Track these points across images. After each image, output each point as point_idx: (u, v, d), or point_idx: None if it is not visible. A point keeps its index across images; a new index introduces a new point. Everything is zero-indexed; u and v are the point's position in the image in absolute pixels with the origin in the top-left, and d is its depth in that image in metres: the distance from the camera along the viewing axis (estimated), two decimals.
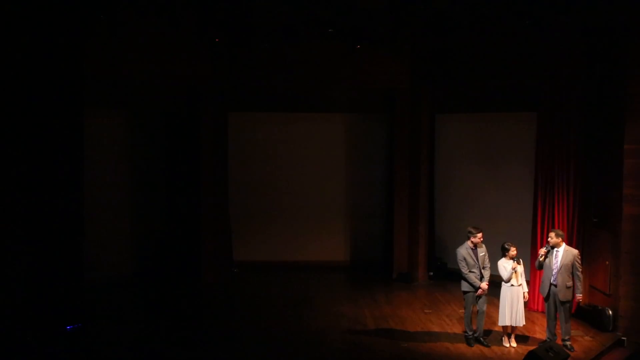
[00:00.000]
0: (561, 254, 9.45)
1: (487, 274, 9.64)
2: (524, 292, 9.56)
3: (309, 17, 11.69)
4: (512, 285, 9.49)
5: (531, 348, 8.96)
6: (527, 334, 10.10)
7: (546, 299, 9.62)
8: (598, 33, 10.64)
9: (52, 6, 9.28)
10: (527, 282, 10.48)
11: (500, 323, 9.65)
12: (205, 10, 11.54)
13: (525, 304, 9.80)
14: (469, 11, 11.40)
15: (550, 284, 9.52)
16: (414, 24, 12.52)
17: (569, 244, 10.84)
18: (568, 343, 9.47)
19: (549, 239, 9.57)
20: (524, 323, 9.68)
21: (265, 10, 11.50)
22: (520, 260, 9.59)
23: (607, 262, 10.45)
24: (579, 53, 10.86)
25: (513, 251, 9.52)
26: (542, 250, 9.55)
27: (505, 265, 9.49)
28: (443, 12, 11.56)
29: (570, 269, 9.41)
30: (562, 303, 9.44)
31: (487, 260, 9.71)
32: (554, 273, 9.47)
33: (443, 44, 12.94)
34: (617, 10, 10.24)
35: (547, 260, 9.55)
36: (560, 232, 9.71)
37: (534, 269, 11.31)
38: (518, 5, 10.82)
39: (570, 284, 9.44)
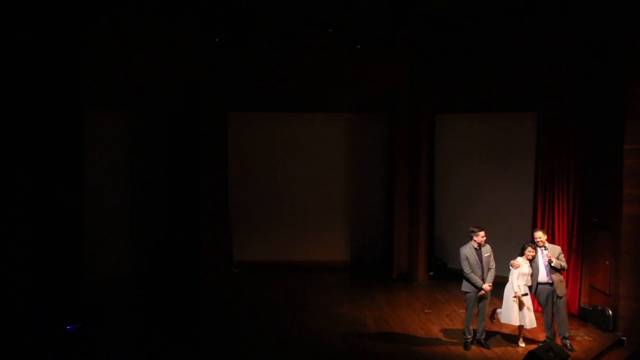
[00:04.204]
0: (546, 252, 9.51)
1: (491, 275, 9.60)
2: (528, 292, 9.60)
3: (309, 17, 11.66)
4: (524, 284, 9.50)
5: (531, 347, 8.98)
6: (527, 334, 10.09)
7: (538, 297, 9.66)
8: (598, 33, 10.64)
9: (52, 6, 9.28)
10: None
11: (503, 320, 9.64)
12: (205, 10, 11.52)
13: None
14: (469, 11, 11.38)
15: (538, 283, 9.57)
16: (413, 24, 12.50)
17: (569, 244, 10.90)
18: (568, 342, 9.49)
19: (539, 239, 9.57)
20: (535, 325, 9.65)
21: (265, 10, 11.48)
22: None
23: (607, 262, 10.45)
24: (579, 53, 10.86)
25: (529, 252, 9.53)
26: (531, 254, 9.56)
27: (521, 263, 9.50)
28: (443, 12, 11.53)
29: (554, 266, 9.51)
30: (559, 298, 9.51)
31: (493, 261, 9.67)
32: (547, 272, 9.50)
33: (443, 45, 12.94)
34: (616, 11, 10.24)
35: (534, 260, 9.61)
36: (544, 231, 9.89)
37: None
38: (518, 5, 10.81)
39: (561, 278, 9.58)
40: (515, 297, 9.44)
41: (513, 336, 9.86)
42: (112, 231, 13.29)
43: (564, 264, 9.57)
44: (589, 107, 10.87)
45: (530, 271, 9.55)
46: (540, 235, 9.62)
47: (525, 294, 9.48)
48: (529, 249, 9.54)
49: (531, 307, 9.58)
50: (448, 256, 13.89)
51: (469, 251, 9.61)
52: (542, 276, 9.55)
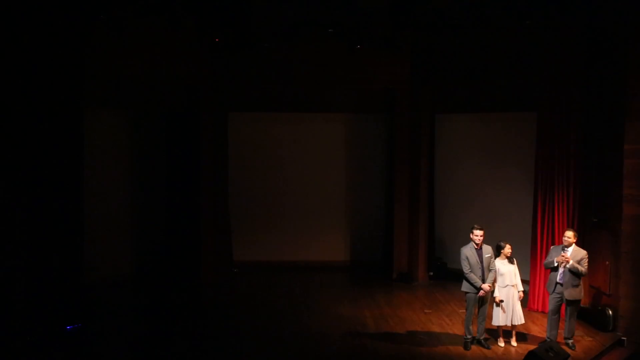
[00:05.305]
0: (569, 254, 9.42)
1: (491, 276, 9.60)
2: (519, 292, 9.56)
3: (309, 17, 11.68)
4: (506, 285, 9.50)
5: (531, 347, 8.97)
6: (526, 333, 10.09)
7: (555, 296, 9.54)
8: (598, 33, 10.64)
9: (53, 6, 9.28)
10: (527, 282, 10.48)
11: (494, 323, 9.65)
12: (205, 10, 11.53)
13: (525, 303, 9.77)
14: (469, 11, 11.39)
15: (556, 283, 9.49)
16: (413, 24, 12.53)
17: None
18: (570, 342, 9.49)
19: (569, 238, 9.46)
20: (524, 321, 9.69)
21: (265, 10, 11.49)
22: (514, 259, 9.63)
23: (607, 262, 10.45)
24: (579, 53, 10.85)
25: (508, 249, 9.54)
26: (560, 258, 9.43)
27: (499, 266, 9.52)
28: (443, 12, 11.54)
29: (574, 269, 9.41)
30: (569, 302, 9.45)
31: (493, 262, 9.66)
32: (561, 272, 9.45)
33: (443, 44, 12.95)
34: (617, 10, 10.25)
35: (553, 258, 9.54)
36: (576, 233, 9.69)
37: (532, 269, 11.34)
38: (518, 5, 10.82)
39: (576, 283, 9.43)
40: (496, 301, 9.50)
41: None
42: (112, 231, 13.29)
43: (582, 269, 9.39)
44: (589, 107, 10.87)
45: (515, 269, 9.57)
46: (570, 236, 9.50)
47: (502, 301, 9.47)
48: (508, 246, 9.56)
49: (517, 306, 9.56)
50: (448, 256, 13.90)
51: (470, 251, 9.60)
52: (559, 276, 9.49)
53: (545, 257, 10.11)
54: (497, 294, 9.51)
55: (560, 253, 9.45)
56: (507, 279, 9.52)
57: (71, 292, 9.70)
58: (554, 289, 9.51)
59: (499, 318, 9.55)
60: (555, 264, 9.45)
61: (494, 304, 9.57)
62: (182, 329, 10.50)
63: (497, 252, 9.63)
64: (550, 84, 11.18)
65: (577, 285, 9.43)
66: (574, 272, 9.37)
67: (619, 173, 10.11)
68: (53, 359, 9.05)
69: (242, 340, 10.02)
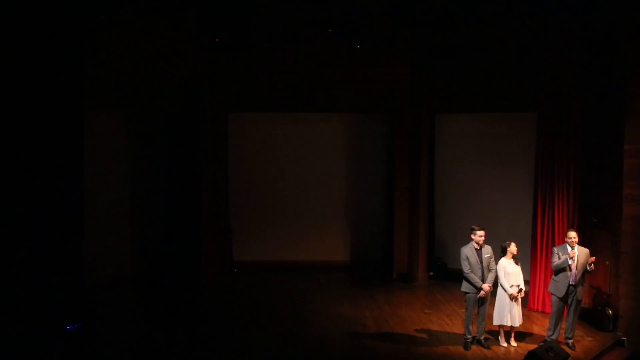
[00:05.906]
0: (576, 254, 9.41)
1: (491, 276, 9.58)
2: (520, 291, 9.53)
3: (309, 17, 11.68)
4: (511, 285, 9.47)
5: (531, 347, 8.98)
6: (526, 333, 10.09)
7: (563, 299, 9.48)
8: (598, 33, 10.65)
9: (53, 6, 9.28)
10: (527, 282, 10.48)
11: (496, 322, 9.63)
12: (205, 11, 11.54)
13: (525, 303, 9.76)
14: (469, 11, 11.40)
15: (569, 285, 9.42)
16: (413, 23, 12.55)
17: None
18: (570, 341, 9.49)
19: (574, 239, 9.43)
20: (521, 323, 9.67)
21: (265, 10, 11.50)
22: (518, 260, 9.60)
23: (607, 262, 10.46)
24: (579, 52, 10.86)
25: (514, 247, 9.52)
26: (572, 252, 9.40)
27: (505, 265, 9.49)
28: (443, 12, 11.55)
29: (583, 269, 9.42)
30: (578, 301, 9.48)
31: (493, 262, 9.65)
32: (574, 274, 9.40)
33: (443, 44, 12.94)
34: (617, 10, 10.25)
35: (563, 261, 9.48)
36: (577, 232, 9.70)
37: (532, 269, 11.33)
38: (518, 4, 10.82)
39: (584, 282, 9.53)
40: (512, 299, 9.42)
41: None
42: (112, 231, 13.29)
43: (590, 267, 9.47)
44: (589, 107, 10.87)
45: (518, 270, 9.53)
46: (574, 236, 9.46)
47: (521, 289, 9.44)
48: (514, 244, 9.51)
49: (519, 307, 9.53)
50: (448, 256, 13.90)
51: (470, 251, 9.59)
52: (572, 278, 9.42)
53: (548, 258, 10.09)
54: (513, 292, 9.40)
55: (568, 252, 9.39)
56: (512, 278, 9.47)
57: (71, 292, 9.70)
58: (567, 291, 9.42)
59: (502, 318, 9.50)
60: (570, 262, 9.38)
61: (503, 302, 9.51)
62: (182, 328, 10.50)
63: (503, 252, 9.60)
64: (550, 84, 11.18)
65: (584, 284, 9.56)
66: (584, 272, 9.41)
67: (619, 173, 10.11)
68: (53, 359, 9.05)
69: (242, 341, 10.02)
